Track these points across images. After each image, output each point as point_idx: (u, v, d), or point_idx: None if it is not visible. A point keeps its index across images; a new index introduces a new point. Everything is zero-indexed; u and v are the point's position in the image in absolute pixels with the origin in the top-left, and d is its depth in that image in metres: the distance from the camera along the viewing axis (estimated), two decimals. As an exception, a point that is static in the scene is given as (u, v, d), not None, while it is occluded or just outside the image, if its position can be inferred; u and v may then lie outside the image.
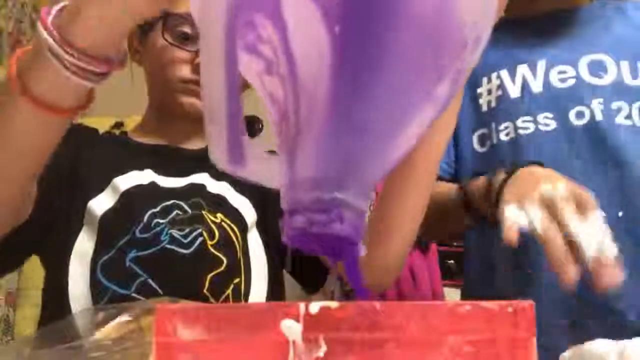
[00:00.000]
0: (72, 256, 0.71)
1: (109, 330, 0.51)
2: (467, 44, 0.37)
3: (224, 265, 0.73)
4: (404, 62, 0.35)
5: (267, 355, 0.30)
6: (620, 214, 0.82)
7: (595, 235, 0.62)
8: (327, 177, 0.35)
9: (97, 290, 0.70)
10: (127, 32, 0.48)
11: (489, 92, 0.93)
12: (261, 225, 0.80)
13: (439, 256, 2.00)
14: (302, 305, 0.30)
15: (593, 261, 0.60)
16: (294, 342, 0.29)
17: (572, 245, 0.61)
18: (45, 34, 0.45)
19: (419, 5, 0.34)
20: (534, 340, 0.30)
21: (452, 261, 2.05)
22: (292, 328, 0.29)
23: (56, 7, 0.47)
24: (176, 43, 0.76)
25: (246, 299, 0.75)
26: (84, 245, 0.72)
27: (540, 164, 0.73)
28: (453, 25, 0.35)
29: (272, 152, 0.39)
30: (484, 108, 0.93)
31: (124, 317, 0.52)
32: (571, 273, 0.60)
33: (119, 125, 1.60)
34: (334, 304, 0.30)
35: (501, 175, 0.73)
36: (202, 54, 0.36)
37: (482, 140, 0.93)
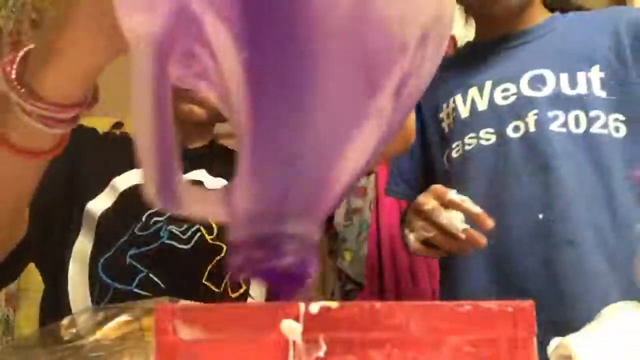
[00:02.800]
0: (71, 258, 0.71)
1: (109, 330, 0.51)
2: (408, 47, 0.33)
3: (224, 251, 0.74)
4: (328, 81, 0.32)
5: (267, 355, 0.30)
6: (540, 216, 0.88)
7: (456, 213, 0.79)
8: (262, 210, 0.33)
9: (98, 289, 0.70)
10: (97, 76, 0.46)
11: (448, 116, 1.01)
12: None
13: (439, 256, 2.01)
14: (302, 305, 0.30)
15: (463, 232, 0.78)
16: (294, 342, 0.29)
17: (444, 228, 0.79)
18: (10, 91, 0.44)
19: (333, 18, 0.30)
20: (534, 340, 0.30)
21: (452, 261, 2.05)
22: (292, 328, 0.29)
23: (19, 55, 0.45)
24: None
25: (247, 282, 0.76)
26: (83, 246, 0.72)
27: None
28: (381, 32, 0.32)
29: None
30: (446, 131, 1.01)
31: (123, 317, 0.52)
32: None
33: (119, 125, 1.59)
34: (334, 304, 0.30)
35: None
36: (132, 92, 0.34)
37: (449, 159, 1.01)
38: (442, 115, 1.02)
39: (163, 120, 0.33)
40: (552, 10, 1.05)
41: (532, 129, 0.92)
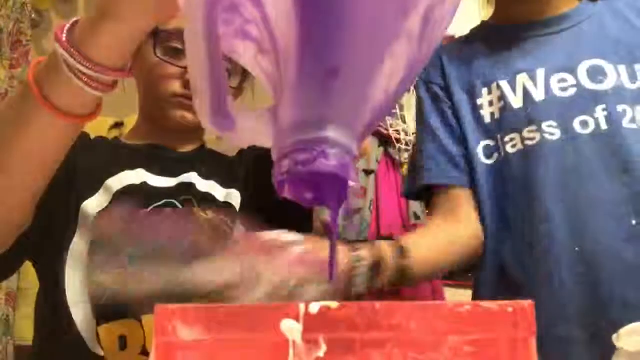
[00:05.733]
0: (68, 258, 0.72)
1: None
2: None
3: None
4: (366, 3, 0.36)
5: (267, 355, 0.30)
6: (633, 222, 0.82)
7: None
8: (307, 119, 0.36)
9: (95, 289, 0.70)
10: (139, 43, 0.51)
11: (491, 103, 0.93)
12: (243, 214, 0.81)
13: (439, 256, 2.00)
14: (302, 305, 0.30)
15: None
16: (294, 342, 0.29)
17: None
18: (61, 50, 0.49)
19: None
20: (534, 340, 0.30)
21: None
22: (292, 328, 0.29)
23: (69, 23, 0.50)
24: (167, 59, 0.77)
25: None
26: (79, 246, 0.72)
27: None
28: None
29: None
30: (487, 119, 0.93)
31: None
32: None
33: (119, 125, 1.58)
34: (334, 304, 0.30)
35: None
36: (185, 31, 0.38)
37: (489, 152, 0.93)
38: (481, 101, 0.94)
39: (214, 52, 0.37)
40: None
41: (603, 125, 0.85)
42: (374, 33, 0.37)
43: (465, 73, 0.96)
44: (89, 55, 0.48)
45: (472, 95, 0.94)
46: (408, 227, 1.96)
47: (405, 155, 1.91)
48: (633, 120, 0.85)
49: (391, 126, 1.89)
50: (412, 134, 1.91)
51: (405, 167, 1.94)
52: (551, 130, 0.87)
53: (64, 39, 0.49)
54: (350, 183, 0.36)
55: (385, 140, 1.93)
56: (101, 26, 0.48)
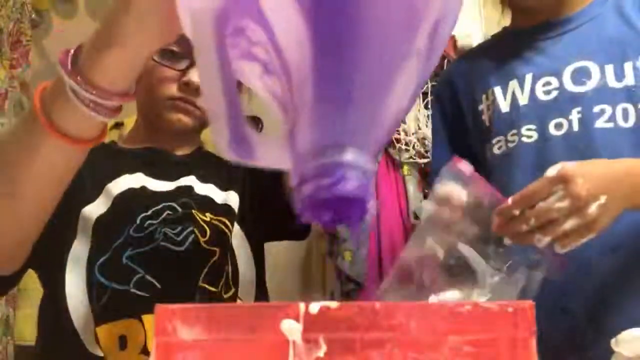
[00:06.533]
0: (68, 262, 0.72)
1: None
2: None
3: (217, 254, 0.75)
4: (378, 25, 0.37)
5: (267, 355, 0.30)
6: None
7: None
8: (325, 144, 0.37)
9: (96, 290, 0.70)
10: (142, 67, 0.51)
11: (488, 108, 0.96)
12: (240, 214, 0.81)
13: (439, 256, 2.00)
14: (302, 305, 0.30)
15: None
16: (294, 342, 0.29)
17: None
18: (66, 77, 0.49)
19: None
20: (534, 340, 0.30)
21: (452, 261, 2.05)
22: (292, 328, 0.29)
23: (73, 49, 0.50)
24: (164, 62, 0.77)
25: (235, 284, 0.77)
26: (79, 250, 0.72)
27: None
28: None
29: None
30: (487, 124, 0.96)
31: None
32: None
33: (118, 125, 1.58)
34: (334, 304, 0.30)
35: None
36: (198, 62, 0.38)
37: (484, 155, 0.96)
38: (482, 107, 0.97)
39: (229, 82, 0.37)
40: None
41: (575, 127, 0.87)
42: (387, 54, 0.38)
43: (470, 84, 0.98)
44: (94, 81, 0.48)
45: (473, 102, 0.97)
46: (408, 227, 1.96)
47: (406, 155, 1.91)
48: (611, 119, 0.85)
49: (391, 126, 1.89)
50: (412, 134, 1.91)
51: (406, 167, 1.94)
52: (529, 134, 0.89)
53: (68, 65, 0.49)
54: (369, 202, 0.37)
55: (385, 140, 1.93)
56: (106, 53, 0.48)
